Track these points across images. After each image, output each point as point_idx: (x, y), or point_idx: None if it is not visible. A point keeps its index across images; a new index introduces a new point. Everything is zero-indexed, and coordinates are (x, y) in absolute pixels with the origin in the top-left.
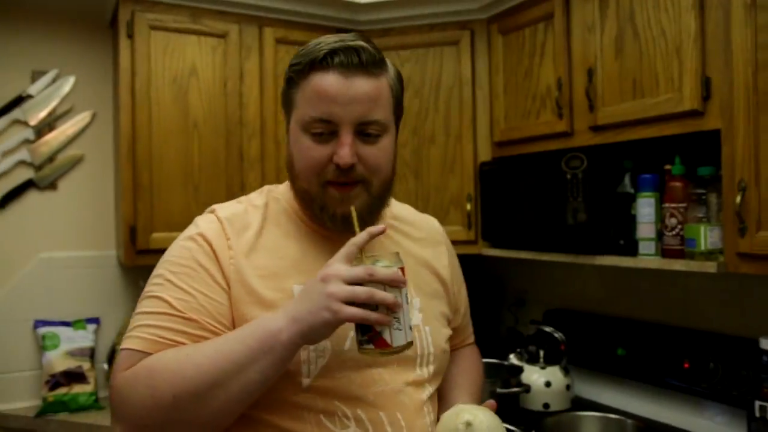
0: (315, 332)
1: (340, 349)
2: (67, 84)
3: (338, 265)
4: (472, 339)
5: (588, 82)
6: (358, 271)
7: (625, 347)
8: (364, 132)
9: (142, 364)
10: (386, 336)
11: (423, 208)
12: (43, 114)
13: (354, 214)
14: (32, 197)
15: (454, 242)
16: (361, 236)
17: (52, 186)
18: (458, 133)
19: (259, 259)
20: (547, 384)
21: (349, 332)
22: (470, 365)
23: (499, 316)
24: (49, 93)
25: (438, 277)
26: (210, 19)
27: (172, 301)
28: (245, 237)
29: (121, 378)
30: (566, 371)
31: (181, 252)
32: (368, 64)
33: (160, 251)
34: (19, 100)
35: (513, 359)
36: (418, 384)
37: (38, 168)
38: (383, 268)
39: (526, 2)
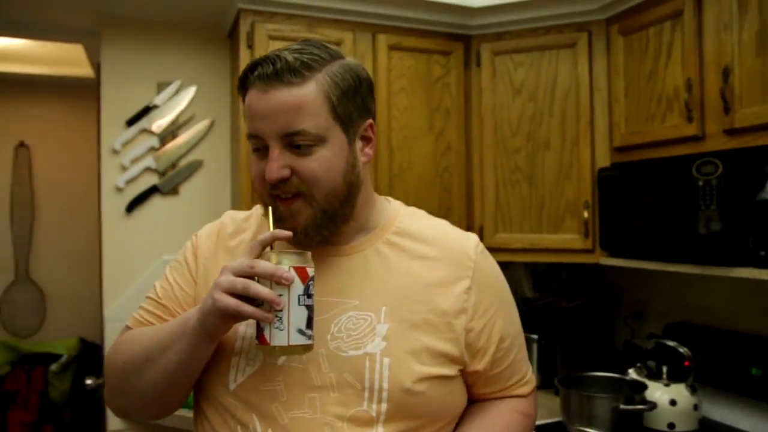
0: (207, 321)
1: (273, 362)
2: (189, 94)
3: (237, 259)
4: (519, 391)
5: (723, 82)
6: (242, 263)
7: (761, 367)
8: (294, 144)
9: (120, 337)
10: (266, 333)
11: (536, 215)
12: (166, 122)
13: (270, 214)
14: (156, 202)
15: (569, 251)
16: (265, 234)
17: (174, 191)
18: (575, 138)
19: (228, 261)
20: (672, 402)
21: None
22: (497, 424)
23: (613, 328)
24: (173, 103)
25: (436, 307)
26: (326, 28)
27: (158, 288)
28: (232, 241)
29: (110, 347)
30: (693, 389)
31: (183, 248)
32: (284, 72)
33: None
34: (146, 111)
35: (633, 374)
36: (361, 422)
37: (162, 174)
38: (265, 263)
39: (650, 1)
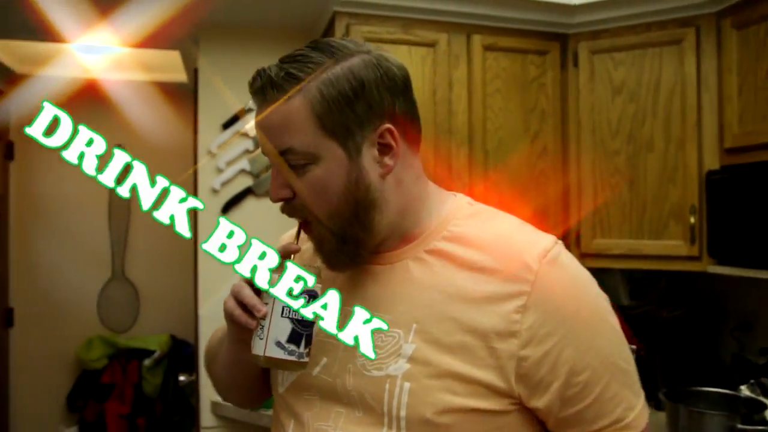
0: (227, 323)
1: (309, 372)
2: None
3: None
4: None
5: None
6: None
7: None
8: (290, 163)
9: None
10: (252, 340)
11: (637, 220)
12: None
13: (298, 229)
14: (250, 203)
15: (673, 258)
16: (278, 246)
17: (267, 193)
18: (680, 140)
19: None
20: None
21: (320, 358)
22: None
23: (718, 340)
24: None
25: (476, 327)
26: (421, 29)
27: None
28: (303, 246)
29: None
30: None
31: None
32: (267, 88)
33: None
34: (242, 113)
35: (746, 391)
36: None
37: (256, 176)
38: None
39: None
